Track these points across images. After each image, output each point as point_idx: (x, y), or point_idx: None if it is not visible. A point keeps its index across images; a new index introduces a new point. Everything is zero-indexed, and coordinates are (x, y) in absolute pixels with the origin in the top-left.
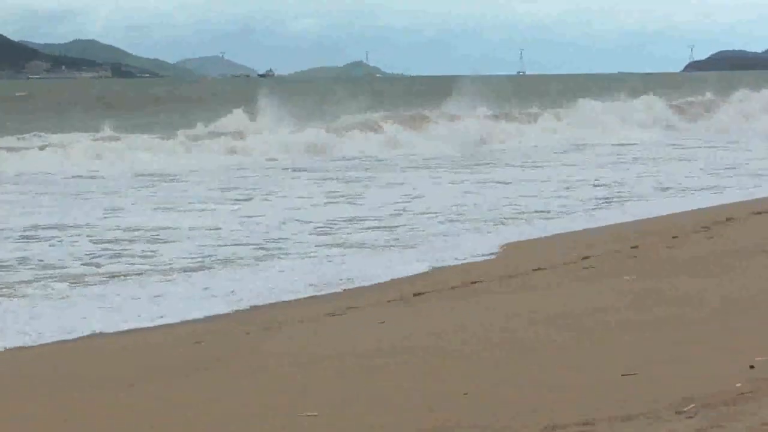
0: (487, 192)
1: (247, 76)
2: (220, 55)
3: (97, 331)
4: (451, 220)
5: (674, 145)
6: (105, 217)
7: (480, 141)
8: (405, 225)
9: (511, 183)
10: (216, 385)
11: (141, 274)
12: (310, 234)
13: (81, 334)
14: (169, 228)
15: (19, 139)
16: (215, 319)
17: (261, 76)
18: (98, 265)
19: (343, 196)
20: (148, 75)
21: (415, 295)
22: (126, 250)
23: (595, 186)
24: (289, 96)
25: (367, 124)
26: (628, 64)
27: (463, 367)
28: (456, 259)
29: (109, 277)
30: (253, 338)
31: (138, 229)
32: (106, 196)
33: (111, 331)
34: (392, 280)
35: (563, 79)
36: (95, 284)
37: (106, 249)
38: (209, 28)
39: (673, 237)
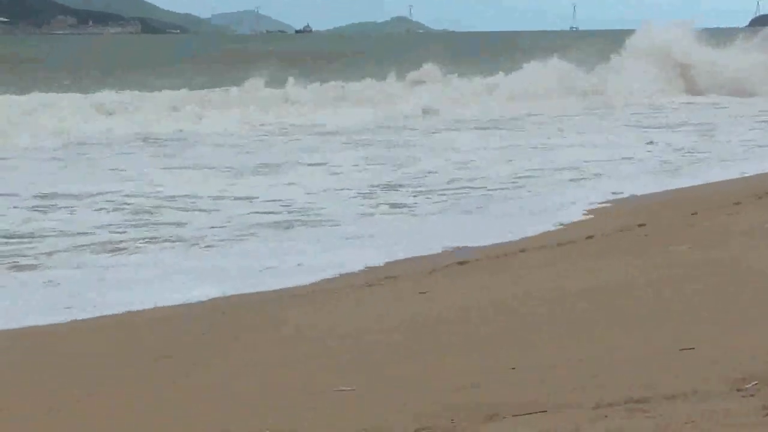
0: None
1: (283, 32)
2: (255, 10)
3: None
4: (512, 186)
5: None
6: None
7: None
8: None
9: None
10: (248, 356)
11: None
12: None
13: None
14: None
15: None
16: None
17: (298, 32)
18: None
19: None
20: (178, 31)
21: (460, 264)
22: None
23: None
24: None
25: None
26: (686, 17)
27: (508, 342)
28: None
29: (146, 242)
30: (289, 308)
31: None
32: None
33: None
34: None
35: (616, 36)
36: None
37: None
38: None
39: (735, 203)
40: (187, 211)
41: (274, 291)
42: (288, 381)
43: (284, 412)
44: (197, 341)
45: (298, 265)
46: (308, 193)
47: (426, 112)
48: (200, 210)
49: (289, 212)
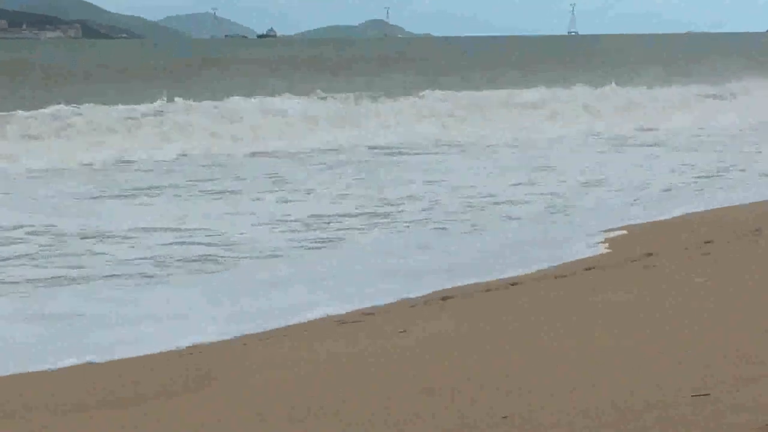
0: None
1: (244, 37)
2: (212, 12)
3: None
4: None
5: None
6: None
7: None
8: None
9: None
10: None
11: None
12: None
13: None
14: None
15: None
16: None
17: (260, 37)
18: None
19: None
20: (125, 35)
21: (443, 299)
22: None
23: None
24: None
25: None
26: (699, 23)
27: (497, 387)
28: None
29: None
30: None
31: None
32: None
33: None
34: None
35: (620, 42)
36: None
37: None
38: None
39: (755, 230)
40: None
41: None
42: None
43: None
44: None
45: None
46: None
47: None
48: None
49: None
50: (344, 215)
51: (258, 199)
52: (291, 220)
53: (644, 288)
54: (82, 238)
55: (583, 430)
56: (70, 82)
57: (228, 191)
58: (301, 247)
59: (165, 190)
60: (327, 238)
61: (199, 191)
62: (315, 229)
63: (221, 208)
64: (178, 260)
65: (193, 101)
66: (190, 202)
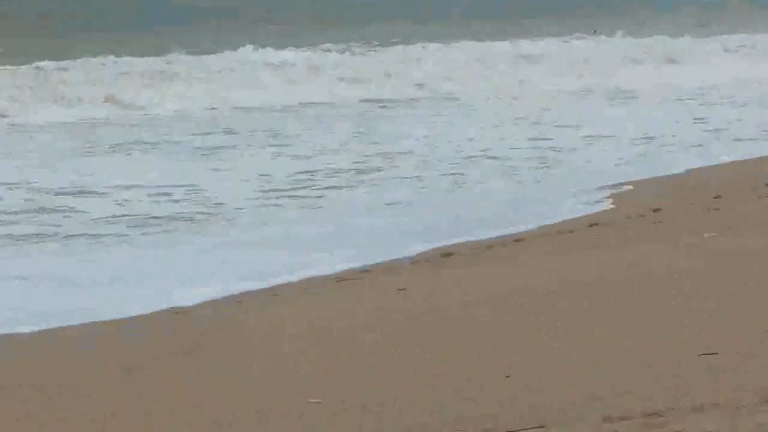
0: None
1: None
2: None
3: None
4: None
5: None
6: None
7: None
8: None
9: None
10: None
11: None
12: None
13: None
14: None
15: None
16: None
17: None
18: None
19: None
20: None
21: (444, 255)
22: None
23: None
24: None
25: None
26: None
27: (501, 345)
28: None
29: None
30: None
31: None
32: None
33: None
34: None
35: None
36: None
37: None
38: None
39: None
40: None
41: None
42: (256, 393)
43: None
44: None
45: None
46: None
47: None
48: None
49: None
50: (337, 171)
51: (250, 155)
52: (284, 177)
53: (652, 244)
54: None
55: (591, 392)
56: (54, 34)
57: (220, 147)
58: (283, 205)
59: (158, 146)
60: (316, 195)
61: (194, 147)
62: (306, 187)
63: (208, 165)
64: (156, 218)
65: (187, 53)
66: (177, 158)
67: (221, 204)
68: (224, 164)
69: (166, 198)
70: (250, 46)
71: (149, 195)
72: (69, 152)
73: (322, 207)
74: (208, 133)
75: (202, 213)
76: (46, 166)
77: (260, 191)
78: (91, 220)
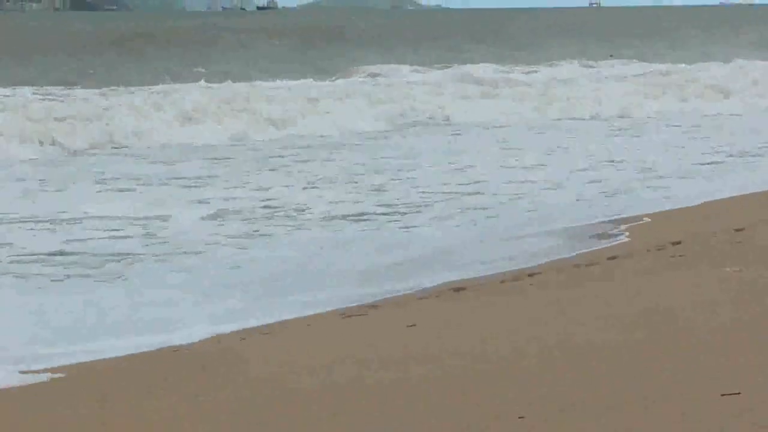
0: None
1: (243, 9)
2: None
3: None
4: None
5: None
6: None
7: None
8: None
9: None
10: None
11: None
12: None
13: None
14: None
15: None
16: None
17: (260, 8)
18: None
19: None
20: (115, 7)
21: (455, 290)
22: None
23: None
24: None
25: None
26: None
27: (514, 384)
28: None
29: None
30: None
31: None
32: None
33: None
34: None
35: (647, 14)
36: None
37: None
38: None
39: None
40: None
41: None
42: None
43: None
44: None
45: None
46: None
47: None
48: None
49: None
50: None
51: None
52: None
53: (672, 278)
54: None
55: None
56: (64, 57)
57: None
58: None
59: (146, 178)
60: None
61: (175, 178)
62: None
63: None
64: (92, 255)
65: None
66: (151, 190)
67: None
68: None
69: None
70: None
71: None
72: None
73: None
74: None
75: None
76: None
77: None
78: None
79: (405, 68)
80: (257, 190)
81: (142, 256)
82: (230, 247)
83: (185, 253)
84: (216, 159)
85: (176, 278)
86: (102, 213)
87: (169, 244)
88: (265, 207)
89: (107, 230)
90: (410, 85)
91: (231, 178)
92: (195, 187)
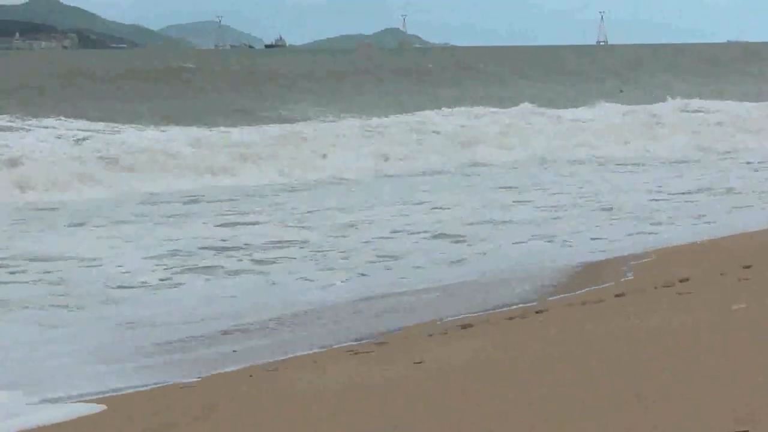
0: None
1: (251, 46)
2: (216, 20)
3: None
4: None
5: None
6: None
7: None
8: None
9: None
10: None
11: None
12: None
13: None
14: None
15: None
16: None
17: (269, 46)
18: None
19: None
20: (124, 45)
21: (463, 327)
22: None
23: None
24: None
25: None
26: (741, 30)
27: (523, 422)
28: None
29: None
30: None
31: None
32: None
33: None
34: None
35: (655, 51)
36: None
37: None
38: None
39: None
40: None
41: None
42: None
43: None
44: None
45: None
46: None
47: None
48: None
49: None
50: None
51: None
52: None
53: (679, 314)
54: None
55: None
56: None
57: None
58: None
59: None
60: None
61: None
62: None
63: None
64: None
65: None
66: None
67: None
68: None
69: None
70: None
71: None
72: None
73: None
74: None
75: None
76: None
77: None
78: None
79: None
80: None
81: None
82: None
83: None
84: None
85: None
86: None
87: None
88: None
89: None
90: None
91: None
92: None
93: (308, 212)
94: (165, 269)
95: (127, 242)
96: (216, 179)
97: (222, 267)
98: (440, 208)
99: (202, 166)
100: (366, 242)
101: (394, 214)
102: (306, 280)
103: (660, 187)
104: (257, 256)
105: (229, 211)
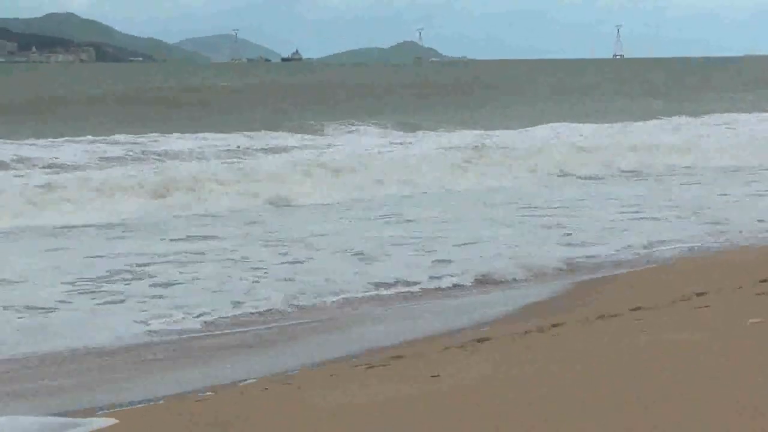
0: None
1: (267, 60)
2: (233, 34)
3: None
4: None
5: None
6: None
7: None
8: None
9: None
10: None
11: None
12: None
13: None
14: None
15: None
16: None
17: (285, 60)
18: None
19: None
20: (140, 59)
21: (479, 341)
22: None
23: None
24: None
25: None
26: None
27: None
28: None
29: None
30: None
31: None
32: None
33: None
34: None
35: (671, 65)
36: None
37: None
38: (219, 0)
39: None
40: None
41: None
42: None
43: None
44: None
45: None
46: None
47: None
48: None
49: None
50: None
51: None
52: None
53: (695, 330)
54: None
55: None
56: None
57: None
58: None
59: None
60: None
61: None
62: None
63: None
64: None
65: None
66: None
67: None
68: None
69: None
70: None
71: None
72: None
73: None
74: None
75: None
76: None
77: None
78: None
79: None
80: None
81: None
82: None
83: None
84: None
85: None
86: None
87: None
88: None
89: None
90: None
91: None
92: None
93: None
94: None
95: None
96: None
97: None
98: None
99: None
100: None
101: None
102: None
103: None
104: None
105: None
